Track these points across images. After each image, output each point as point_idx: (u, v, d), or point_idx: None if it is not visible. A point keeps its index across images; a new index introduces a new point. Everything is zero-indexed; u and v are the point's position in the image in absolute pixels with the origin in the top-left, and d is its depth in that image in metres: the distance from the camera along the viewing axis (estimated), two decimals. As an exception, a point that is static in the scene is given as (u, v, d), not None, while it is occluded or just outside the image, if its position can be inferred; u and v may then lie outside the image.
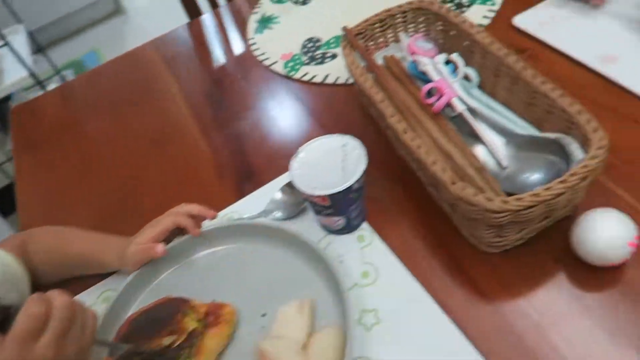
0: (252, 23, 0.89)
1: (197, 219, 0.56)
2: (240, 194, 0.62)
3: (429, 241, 0.52)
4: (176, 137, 0.74)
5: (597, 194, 0.50)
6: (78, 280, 0.57)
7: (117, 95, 0.85)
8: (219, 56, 0.87)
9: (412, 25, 0.68)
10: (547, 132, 0.52)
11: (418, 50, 0.62)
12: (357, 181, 0.49)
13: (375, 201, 0.56)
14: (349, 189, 0.49)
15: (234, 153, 0.68)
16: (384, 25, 0.68)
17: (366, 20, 0.67)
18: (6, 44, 1.54)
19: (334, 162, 0.52)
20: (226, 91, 0.78)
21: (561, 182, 0.43)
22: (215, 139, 0.71)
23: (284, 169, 0.56)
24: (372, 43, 0.69)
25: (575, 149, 0.47)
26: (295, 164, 0.52)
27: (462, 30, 0.61)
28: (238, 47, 0.87)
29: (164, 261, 0.54)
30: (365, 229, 0.55)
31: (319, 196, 0.49)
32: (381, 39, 0.69)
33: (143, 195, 0.67)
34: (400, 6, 0.67)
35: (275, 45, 0.82)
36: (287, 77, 0.77)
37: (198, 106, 0.77)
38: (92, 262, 0.56)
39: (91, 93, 0.89)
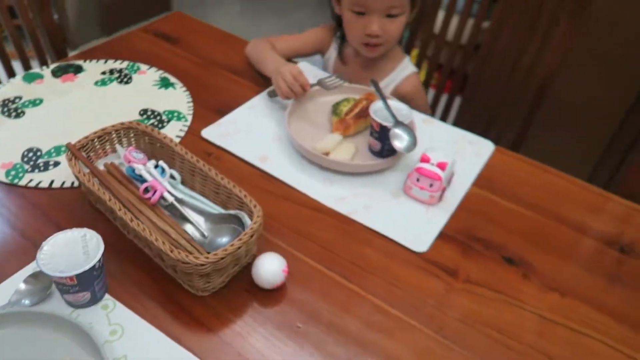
0: (-39, 135, 0.93)
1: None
2: (-22, 294, 0.69)
3: (160, 297, 0.71)
4: None
5: (263, 244, 0.79)
6: None
7: None
8: None
9: (125, 139, 0.89)
10: (229, 210, 0.79)
11: (132, 159, 0.82)
12: (99, 261, 0.65)
13: (114, 276, 0.72)
14: (92, 267, 0.64)
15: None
16: (102, 140, 0.86)
17: (87, 137, 0.84)
18: None
19: (75, 249, 0.67)
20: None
21: (239, 240, 0.69)
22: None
23: (27, 260, 0.67)
24: (93, 153, 0.86)
25: (246, 219, 0.75)
26: (42, 255, 0.65)
27: (164, 144, 0.85)
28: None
29: None
30: (108, 298, 0.70)
31: (68, 277, 0.63)
32: (100, 150, 0.87)
33: None
34: (114, 125, 0.87)
35: (-6, 156, 0.89)
36: (11, 185, 0.85)
37: None
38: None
39: None
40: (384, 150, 0.93)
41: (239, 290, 0.73)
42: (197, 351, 0.65)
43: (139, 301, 0.70)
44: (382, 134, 0.91)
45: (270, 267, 0.72)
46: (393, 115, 0.91)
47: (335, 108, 1.02)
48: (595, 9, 1.16)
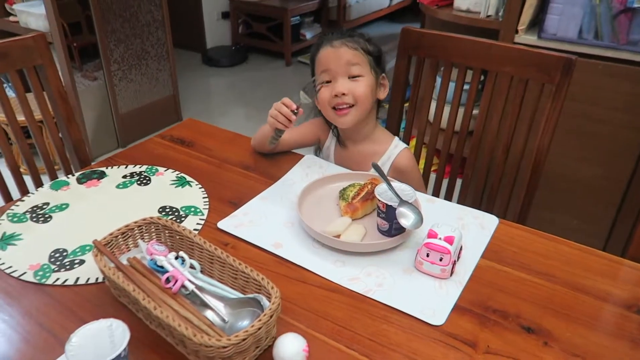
0: (-8, 241, 0.99)
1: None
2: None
3: (182, 386, 0.72)
4: None
5: (282, 326, 0.80)
6: None
7: None
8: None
9: (147, 234, 0.94)
10: (248, 294, 0.82)
11: (154, 252, 0.86)
12: (124, 349, 0.67)
13: (136, 367, 0.73)
14: (118, 356, 0.66)
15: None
16: (125, 236, 0.91)
17: (111, 234, 0.89)
18: None
19: (102, 340, 0.69)
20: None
21: (259, 321, 0.71)
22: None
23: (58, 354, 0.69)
24: (117, 249, 0.91)
25: (265, 301, 0.78)
26: (70, 347, 0.67)
27: (183, 235, 0.90)
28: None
29: None
30: (131, 389, 0.70)
31: (95, 367, 0.64)
32: (124, 246, 0.92)
33: None
34: (136, 222, 0.92)
35: (22, 258, 0.94)
36: (39, 285, 0.89)
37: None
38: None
39: None
40: (392, 229, 0.98)
41: (264, 374, 0.74)
42: None
43: (162, 391, 0.71)
44: (388, 213, 0.96)
45: (290, 347, 0.73)
46: (397, 195, 0.96)
47: (343, 193, 1.08)
48: (573, 90, 1.26)
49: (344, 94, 1.16)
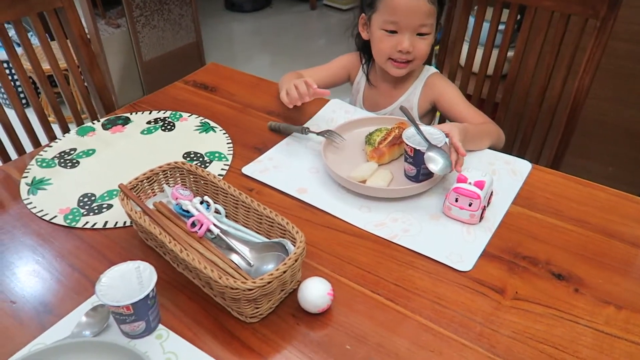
0: (23, 186, 1.00)
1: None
2: (41, 328, 0.72)
3: (210, 326, 0.73)
4: None
5: (307, 270, 0.80)
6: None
7: None
8: (-10, 218, 0.94)
9: (172, 179, 0.94)
10: (273, 238, 0.82)
11: (179, 196, 0.86)
12: (152, 290, 0.68)
13: (166, 307, 0.75)
14: (147, 296, 0.67)
15: (31, 293, 0.78)
16: (151, 180, 0.91)
17: (136, 178, 0.89)
18: None
19: (130, 281, 0.70)
20: (6, 248, 0.87)
21: (284, 264, 0.71)
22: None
23: (86, 296, 0.71)
24: (142, 194, 0.91)
25: (290, 245, 0.77)
26: (100, 286, 0.68)
27: (208, 180, 0.89)
28: (14, 208, 0.96)
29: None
30: (162, 328, 0.72)
31: (124, 306, 0.66)
32: (150, 191, 0.92)
33: None
34: (161, 166, 0.92)
35: (53, 202, 0.96)
36: (69, 228, 0.91)
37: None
38: None
39: None
40: (420, 174, 0.95)
41: (286, 316, 0.75)
42: (248, 376, 0.66)
43: (191, 330, 0.73)
44: (416, 158, 0.93)
45: (315, 291, 0.73)
46: (426, 140, 0.93)
47: (369, 138, 1.05)
48: (617, 28, 1.17)
49: (408, 52, 1.11)
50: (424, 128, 0.97)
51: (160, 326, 0.73)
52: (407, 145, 0.93)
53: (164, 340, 0.71)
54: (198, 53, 3.28)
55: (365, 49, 1.23)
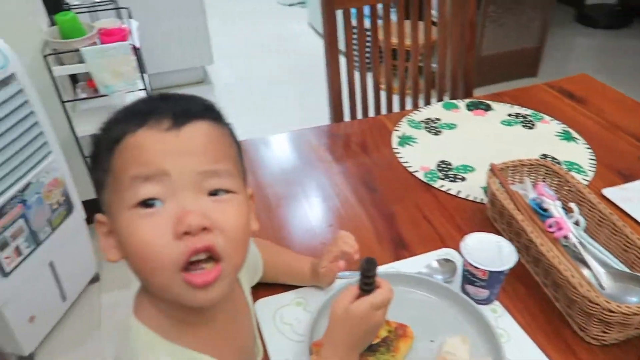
0: (395, 137, 1.17)
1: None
2: (396, 257, 0.85)
3: (543, 325, 0.73)
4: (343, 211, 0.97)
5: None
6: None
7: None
8: (371, 154, 1.13)
9: (533, 175, 0.95)
10: (636, 272, 0.76)
11: (545, 194, 0.87)
12: (510, 268, 0.72)
13: (504, 289, 0.78)
14: (503, 271, 0.71)
15: (389, 227, 0.92)
16: (514, 170, 0.95)
17: (505, 163, 0.93)
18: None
19: (490, 251, 0.75)
20: (379, 182, 1.03)
21: (655, 303, 0.65)
22: (373, 215, 0.95)
23: (434, 246, 0.81)
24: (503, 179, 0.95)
25: (660, 287, 0.70)
26: (464, 245, 0.75)
27: (574, 189, 0.87)
28: (386, 152, 1.13)
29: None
30: (498, 305, 0.76)
31: (483, 270, 0.71)
32: (510, 179, 0.96)
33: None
34: (529, 159, 0.94)
35: (416, 158, 1.09)
36: (427, 184, 1.02)
37: (358, 190, 1.01)
38: (296, 273, 0.76)
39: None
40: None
41: (631, 352, 0.69)
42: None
43: (524, 319, 0.74)
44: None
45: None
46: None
47: None
48: None
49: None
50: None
51: (497, 303, 0.76)
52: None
53: (499, 316, 0.74)
54: (535, 59, 3.18)
55: None
